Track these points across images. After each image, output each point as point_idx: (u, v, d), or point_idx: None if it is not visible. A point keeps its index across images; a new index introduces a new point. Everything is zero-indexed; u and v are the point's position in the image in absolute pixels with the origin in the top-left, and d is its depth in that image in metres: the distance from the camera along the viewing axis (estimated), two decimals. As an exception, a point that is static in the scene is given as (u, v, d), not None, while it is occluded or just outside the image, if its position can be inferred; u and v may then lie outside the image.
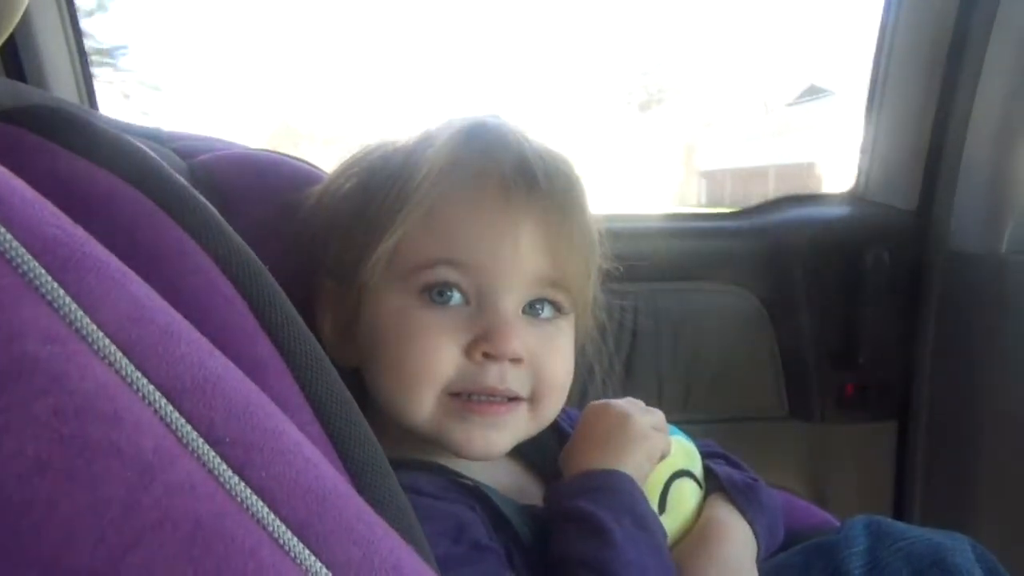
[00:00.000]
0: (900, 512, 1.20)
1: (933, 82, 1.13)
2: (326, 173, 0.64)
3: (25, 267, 0.21)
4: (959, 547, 0.58)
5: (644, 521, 0.50)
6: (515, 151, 0.52)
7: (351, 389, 0.54)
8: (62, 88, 0.99)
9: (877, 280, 1.14)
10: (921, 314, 1.16)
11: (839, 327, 1.16)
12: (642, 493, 0.53)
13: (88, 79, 1.02)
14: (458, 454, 0.52)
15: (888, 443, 1.20)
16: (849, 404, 1.17)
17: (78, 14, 1.00)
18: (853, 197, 1.23)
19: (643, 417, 0.57)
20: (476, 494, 0.51)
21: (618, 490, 0.51)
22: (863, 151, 1.22)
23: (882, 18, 1.17)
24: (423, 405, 0.51)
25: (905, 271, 1.16)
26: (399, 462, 0.50)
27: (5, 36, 0.39)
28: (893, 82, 1.16)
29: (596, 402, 0.59)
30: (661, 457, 0.57)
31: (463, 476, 0.52)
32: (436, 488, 0.50)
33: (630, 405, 0.58)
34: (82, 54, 1.01)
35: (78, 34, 1.01)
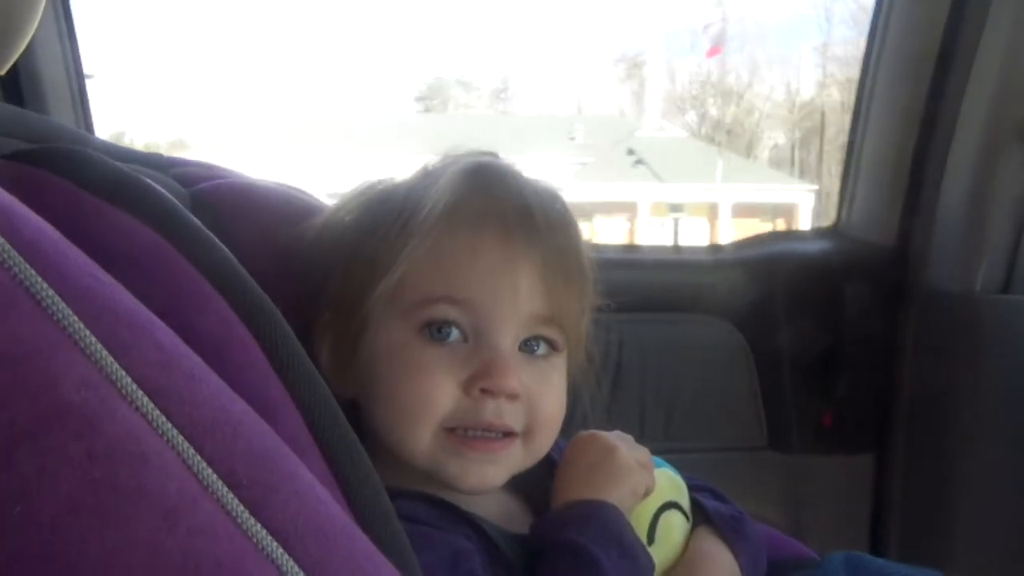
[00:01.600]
0: (876, 545, 1.21)
1: (913, 122, 1.16)
2: (326, 205, 0.65)
3: (60, 315, 0.22)
4: (935, 585, 0.59)
5: (631, 551, 0.51)
6: (515, 192, 0.54)
7: (347, 418, 0.55)
8: (59, 110, 0.99)
9: (856, 314, 1.17)
10: (899, 349, 1.19)
11: (818, 360, 1.18)
12: (628, 523, 0.54)
13: (85, 101, 1.03)
14: (453, 488, 0.52)
15: (865, 476, 1.22)
16: (827, 436, 1.19)
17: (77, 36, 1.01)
18: (834, 232, 1.26)
19: (629, 452, 0.58)
20: (471, 524, 0.51)
21: (605, 520, 0.52)
22: (844, 188, 1.25)
23: (864, 58, 1.21)
24: (420, 440, 0.52)
25: (884, 306, 1.18)
26: (395, 491, 0.51)
27: (13, 60, 0.40)
28: (874, 121, 1.20)
29: (584, 433, 0.60)
30: (645, 494, 0.58)
31: (457, 506, 0.52)
32: (432, 517, 0.50)
33: (617, 439, 0.59)
34: (79, 76, 1.02)
35: (76, 56, 1.01)
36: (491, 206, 0.53)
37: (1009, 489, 1.10)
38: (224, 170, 0.68)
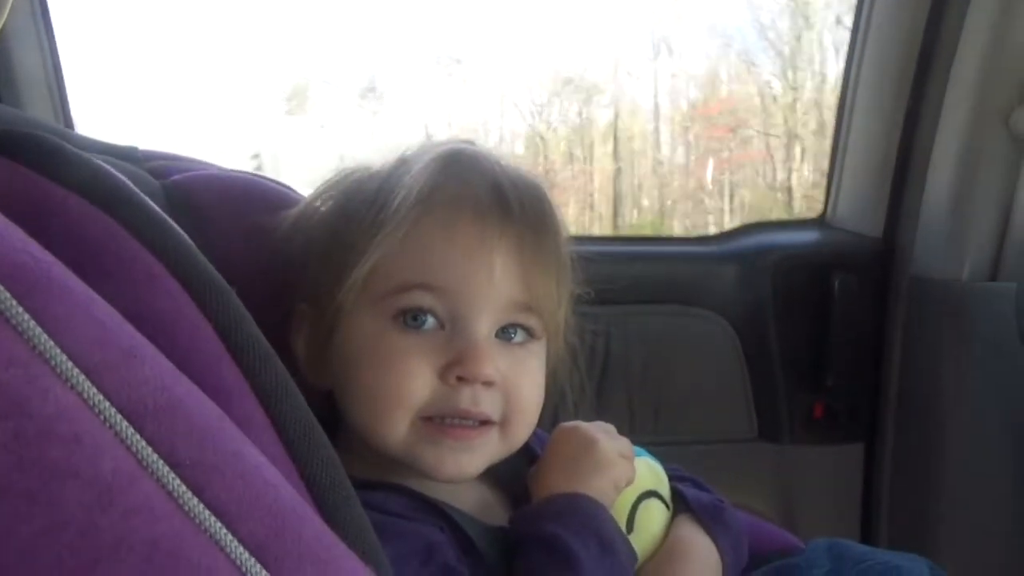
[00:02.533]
0: (867, 534, 1.21)
1: (898, 113, 1.16)
2: (302, 196, 0.65)
3: (-11, 291, 0.21)
4: (917, 569, 0.59)
5: (611, 545, 0.51)
6: (490, 178, 0.54)
7: (325, 410, 0.55)
8: (37, 107, 0.98)
9: (844, 304, 1.17)
10: (887, 338, 1.19)
11: (807, 350, 1.18)
12: (609, 516, 0.53)
13: (64, 98, 1.02)
14: (430, 477, 0.52)
15: (856, 465, 1.22)
16: (817, 426, 1.19)
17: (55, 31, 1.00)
18: (821, 223, 1.26)
19: (611, 443, 0.57)
20: (444, 516, 0.51)
21: (584, 513, 0.52)
22: (831, 179, 1.25)
23: (848, 51, 1.21)
24: (396, 429, 0.51)
25: (872, 296, 1.18)
26: (369, 483, 0.51)
27: None
28: (859, 112, 1.20)
29: (566, 424, 0.59)
30: (626, 484, 0.58)
31: (432, 498, 0.52)
32: (405, 509, 0.50)
33: (599, 430, 0.59)
34: (58, 72, 1.01)
35: (54, 52, 1.00)
36: (465, 191, 0.53)
37: (998, 476, 1.10)
38: (199, 162, 0.68)
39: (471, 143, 0.59)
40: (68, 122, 1.04)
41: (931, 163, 1.13)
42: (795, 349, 1.18)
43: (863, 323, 1.18)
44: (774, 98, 1.55)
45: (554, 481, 0.54)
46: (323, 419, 0.46)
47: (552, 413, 0.64)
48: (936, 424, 1.14)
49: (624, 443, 0.59)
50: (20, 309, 0.22)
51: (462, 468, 0.52)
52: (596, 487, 0.54)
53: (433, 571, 0.47)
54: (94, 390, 0.22)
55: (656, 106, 1.52)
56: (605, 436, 0.58)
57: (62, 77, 1.02)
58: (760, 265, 1.18)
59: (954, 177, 1.12)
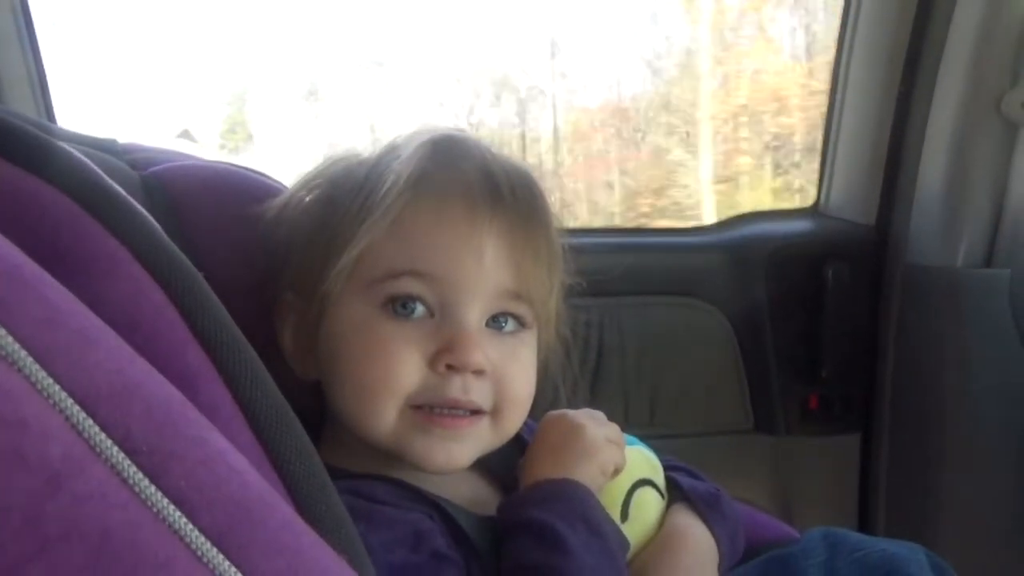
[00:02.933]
0: (864, 524, 1.20)
1: (889, 101, 1.15)
2: (285, 186, 0.64)
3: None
4: (914, 557, 0.59)
5: (598, 527, 0.50)
6: (480, 165, 0.53)
7: (313, 401, 0.54)
8: (21, 107, 0.97)
9: (838, 294, 1.16)
10: (882, 327, 1.18)
11: (802, 341, 1.17)
12: (596, 499, 0.53)
13: (46, 92, 1.01)
14: (419, 467, 0.51)
15: (852, 455, 1.21)
16: (813, 417, 1.18)
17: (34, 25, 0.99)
18: (814, 212, 1.25)
19: (598, 429, 0.57)
20: (434, 506, 0.50)
21: (570, 497, 0.51)
22: (823, 168, 1.24)
23: (839, 38, 1.20)
24: (385, 418, 0.50)
25: (865, 285, 1.18)
26: (355, 473, 0.50)
27: None
28: (850, 101, 1.19)
29: (553, 412, 0.59)
30: (615, 471, 0.57)
31: (421, 488, 0.51)
32: (394, 497, 0.49)
33: (586, 417, 0.58)
34: (39, 66, 1.00)
35: (35, 46, 0.99)
36: (455, 178, 0.52)
37: (995, 465, 1.10)
38: (180, 154, 0.67)
39: (461, 130, 0.59)
40: (51, 117, 1.03)
41: (924, 149, 1.13)
42: (790, 340, 1.17)
43: (857, 312, 1.17)
44: (676, 97, 1.55)
45: (541, 468, 0.54)
46: (311, 410, 0.45)
47: (547, 406, 0.63)
48: (932, 412, 1.13)
49: (612, 428, 0.59)
50: (-39, 289, 0.21)
51: (452, 458, 0.51)
52: (583, 473, 0.54)
53: (424, 558, 0.46)
54: (43, 373, 0.21)
55: (554, 106, 1.53)
56: (592, 422, 0.57)
57: (45, 77, 1.01)
58: (753, 255, 1.18)
59: (947, 163, 1.11)
